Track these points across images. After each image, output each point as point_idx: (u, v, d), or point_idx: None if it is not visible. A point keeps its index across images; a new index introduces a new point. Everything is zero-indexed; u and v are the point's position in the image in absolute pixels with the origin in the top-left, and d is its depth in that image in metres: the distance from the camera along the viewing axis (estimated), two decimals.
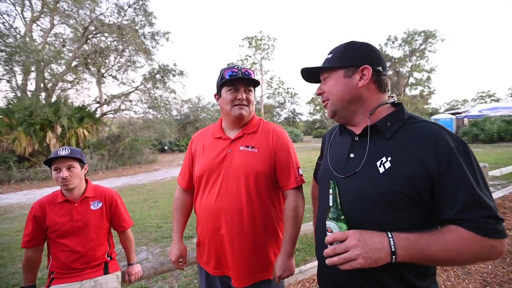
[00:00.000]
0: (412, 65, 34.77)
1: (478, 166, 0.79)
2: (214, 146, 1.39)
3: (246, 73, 1.33)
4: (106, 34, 16.38)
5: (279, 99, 40.88)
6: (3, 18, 15.59)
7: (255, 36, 36.89)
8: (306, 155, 16.74)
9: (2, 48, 12.96)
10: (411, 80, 35.71)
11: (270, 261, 1.33)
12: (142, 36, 17.14)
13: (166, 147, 24.36)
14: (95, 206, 1.73)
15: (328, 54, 1.01)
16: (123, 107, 17.18)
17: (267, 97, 39.99)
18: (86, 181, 1.78)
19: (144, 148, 16.96)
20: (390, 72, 36.27)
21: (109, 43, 16.83)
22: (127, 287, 1.91)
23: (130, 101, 17.32)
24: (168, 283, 3.03)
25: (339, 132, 1.09)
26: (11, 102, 13.26)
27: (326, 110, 1.03)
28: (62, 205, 1.67)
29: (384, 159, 0.86)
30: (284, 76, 79.91)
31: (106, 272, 1.71)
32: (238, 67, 1.33)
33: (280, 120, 41.46)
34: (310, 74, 1.07)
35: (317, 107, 42.51)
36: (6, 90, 14.26)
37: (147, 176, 11.96)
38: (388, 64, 35.90)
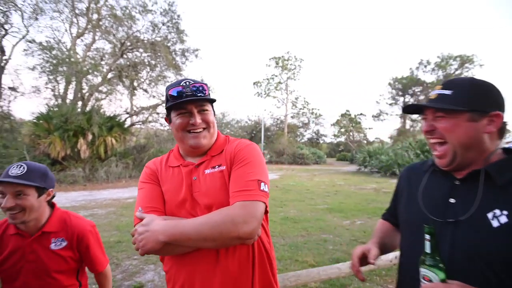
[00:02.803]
0: None
1: None
2: (174, 176, 1.09)
3: (197, 90, 1.04)
4: (140, 50, 17.39)
5: (303, 119, 40.79)
6: (54, 33, 17.17)
7: (282, 57, 37.57)
8: (330, 178, 16.17)
9: (49, 60, 14.13)
10: None
11: None
12: (173, 53, 17.99)
13: None
14: (56, 245, 1.32)
15: (445, 89, 0.89)
16: (150, 118, 17.85)
17: (291, 117, 40.01)
18: (54, 208, 1.39)
19: None
20: (421, 97, 34.99)
21: (142, 58, 17.82)
22: None
23: (158, 113, 17.97)
24: None
25: (427, 171, 1.01)
26: (51, 108, 14.20)
27: (433, 151, 0.93)
28: (13, 237, 1.29)
29: (497, 211, 0.78)
30: (309, 96, 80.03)
31: None
32: (186, 83, 1.05)
33: (303, 140, 41.06)
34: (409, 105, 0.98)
35: (342, 129, 41.70)
36: (49, 98, 15.42)
37: None
38: (419, 88, 34.79)
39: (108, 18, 16.74)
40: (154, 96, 18.40)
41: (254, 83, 39.24)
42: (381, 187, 12.10)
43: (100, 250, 1.46)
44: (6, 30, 14.73)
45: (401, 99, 36.79)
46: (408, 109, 0.99)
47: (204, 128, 1.07)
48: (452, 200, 0.88)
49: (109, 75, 16.15)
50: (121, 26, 16.75)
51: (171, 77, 18.44)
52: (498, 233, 0.75)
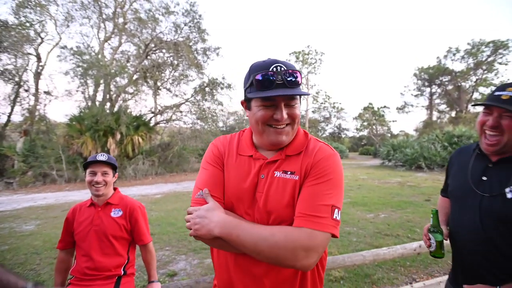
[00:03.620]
0: (477, 79, 31.36)
1: None
2: (241, 166, 0.98)
3: (290, 79, 0.86)
4: (163, 51, 17.93)
5: (324, 113, 40.16)
6: (83, 39, 18.16)
7: (302, 51, 37.05)
8: (352, 173, 15.90)
9: (80, 64, 14.99)
10: (476, 95, 32.16)
11: None
12: (195, 52, 18.36)
13: None
14: (115, 213, 1.72)
15: None
16: (174, 117, 18.43)
17: (313, 112, 39.53)
18: (115, 188, 1.82)
19: (191, 157, 17.84)
20: (450, 87, 33.19)
21: (165, 58, 18.37)
22: None
23: (181, 112, 18.51)
24: None
25: (473, 153, 1.28)
26: (82, 110, 15.09)
27: (483, 138, 1.18)
28: (88, 208, 1.73)
29: None
30: (330, 90, 78.41)
31: (117, 287, 1.62)
32: (277, 68, 0.86)
33: (325, 135, 40.49)
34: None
35: (365, 123, 40.56)
36: (80, 100, 16.41)
37: (192, 184, 12.43)
38: (447, 78, 32.97)
39: (133, 22, 17.41)
40: (177, 95, 18.96)
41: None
42: (406, 180, 11.75)
43: (145, 227, 1.79)
44: (42, 38, 15.79)
45: (427, 89, 35.07)
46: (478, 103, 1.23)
47: (288, 124, 0.91)
48: (484, 178, 1.17)
49: (135, 76, 16.83)
50: (145, 29, 17.37)
51: (193, 75, 18.90)
52: (510, 201, 1.06)
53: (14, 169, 12.16)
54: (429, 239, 1.33)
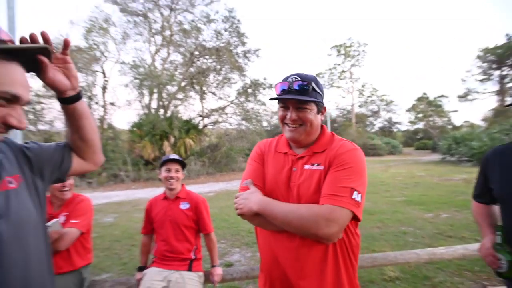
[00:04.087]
0: None
1: None
2: (278, 162, 1.19)
3: (299, 87, 1.05)
4: (207, 57, 18.88)
5: (372, 107, 37.91)
6: (137, 53, 20.07)
7: (344, 44, 35.57)
8: (407, 169, 14.88)
9: (137, 76, 16.63)
10: None
11: None
12: (236, 55, 18.95)
13: None
14: (183, 206, 2.02)
15: None
16: (220, 119, 19.31)
17: (359, 106, 37.66)
18: (182, 185, 2.12)
19: (238, 157, 18.48)
20: None
21: (209, 64, 19.31)
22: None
23: (226, 114, 19.30)
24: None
25: None
26: (141, 118, 16.70)
27: None
28: (162, 201, 2.07)
29: None
30: (377, 83, 73.60)
31: (190, 268, 1.93)
32: (292, 79, 1.08)
33: (374, 130, 38.25)
34: None
35: (419, 115, 37.30)
36: (139, 108, 18.19)
37: None
38: None
39: (179, 33, 18.69)
40: (221, 98, 19.80)
41: (316, 75, 37.96)
42: (472, 177, 10.58)
43: (208, 218, 2.07)
44: (106, 57, 17.90)
45: (496, 72, 30.66)
46: None
47: (300, 125, 1.10)
48: None
49: (183, 83, 18.05)
50: (189, 38, 18.52)
51: (235, 78, 19.54)
52: None
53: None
54: (499, 259, 1.20)
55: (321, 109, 1.15)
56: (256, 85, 18.74)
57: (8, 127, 0.61)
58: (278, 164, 1.17)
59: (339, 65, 36.81)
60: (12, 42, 0.61)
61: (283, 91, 1.09)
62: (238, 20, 18.14)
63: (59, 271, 1.73)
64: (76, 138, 0.92)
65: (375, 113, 38.33)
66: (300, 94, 1.06)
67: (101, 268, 3.74)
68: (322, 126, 1.19)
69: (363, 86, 36.53)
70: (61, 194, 1.87)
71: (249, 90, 18.86)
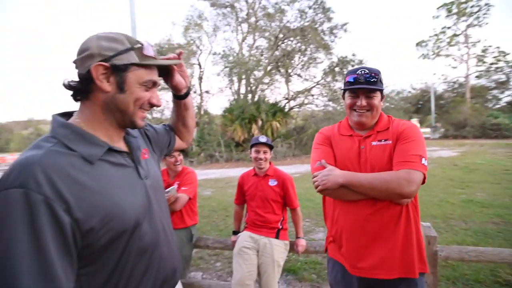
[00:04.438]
0: None
1: None
2: (344, 143, 1.35)
3: (368, 78, 1.24)
4: (291, 38, 18.68)
5: (497, 77, 29.66)
6: (226, 43, 21.57)
7: (458, 0, 28.92)
8: None
9: (226, 65, 18.00)
10: None
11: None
12: (322, 33, 18.08)
13: None
14: (272, 183, 2.20)
15: None
16: (306, 101, 19.13)
17: (476, 77, 30.15)
18: (270, 163, 2.28)
19: None
20: None
21: (294, 45, 19.10)
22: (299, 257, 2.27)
23: (312, 95, 18.94)
24: None
25: None
26: (231, 103, 18.15)
27: None
28: (253, 177, 2.28)
29: None
30: (506, 45, 57.36)
31: (277, 236, 2.12)
32: (360, 71, 1.26)
33: (498, 106, 30.34)
34: None
35: None
36: (229, 95, 19.84)
37: None
38: None
39: (263, 18, 19.04)
40: (307, 79, 19.49)
41: (417, 44, 32.65)
42: None
43: (294, 194, 2.21)
44: (200, 50, 19.99)
45: None
46: None
47: (367, 110, 1.28)
48: None
49: (269, 68, 18.53)
50: (273, 22, 18.65)
51: (321, 57, 18.78)
52: None
53: (193, 151, 16.35)
54: None
55: (382, 95, 1.32)
56: (343, 62, 17.61)
57: (151, 105, 0.86)
58: (345, 145, 1.34)
59: (449, 28, 30.43)
60: (156, 56, 0.85)
61: (354, 82, 1.27)
62: None
63: (175, 227, 2.21)
64: (180, 124, 1.17)
65: (502, 84, 29.98)
66: (368, 84, 1.25)
67: (202, 231, 4.46)
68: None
69: (484, 50, 29.10)
70: (175, 167, 2.37)
71: (336, 69, 17.88)
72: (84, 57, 0.75)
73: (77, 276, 0.68)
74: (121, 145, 0.86)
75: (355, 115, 1.30)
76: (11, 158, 22.28)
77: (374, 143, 1.28)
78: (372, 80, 1.24)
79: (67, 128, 0.75)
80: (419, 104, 31.85)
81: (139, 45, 0.80)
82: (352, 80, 1.27)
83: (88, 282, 0.72)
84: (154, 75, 0.84)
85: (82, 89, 0.77)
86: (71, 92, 0.79)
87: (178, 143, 1.21)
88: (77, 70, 0.77)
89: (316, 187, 1.24)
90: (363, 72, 1.26)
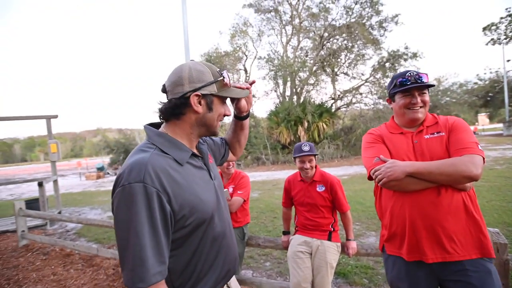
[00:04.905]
0: None
1: None
2: (397, 140, 1.42)
3: (419, 78, 1.35)
4: (337, 37, 18.11)
5: None
6: (271, 46, 21.84)
7: None
8: None
9: (271, 68, 18.23)
10: None
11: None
12: (370, 28, 17.19)
13: None
14: (319, 188, 2.18)
15: None
16: (354, 100, 18.33)
17: None
18: (316, 167, 2.25)
19: None
20: None
21: (339, 43, 18.48)
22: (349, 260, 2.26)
23: (360, 94, 18.09)
24: None
25: None
26: (277, 106, 18.30)
27: None
28: (299, 182, 2.28)
29: None
30: None
31: (329, 239, 2.13)
32: (410, 73, 1.38)
33: None
34: None
35: None
36: (275, 97, 20.02)
37: None
38: None
39: (307, 18, 18.83)
40: (354, 77, 18.69)
41: (484, 29, 28.82)
42: None
43: (343, 197, 2.19)
44: (246, 55, 20.58)
45: None
46: None
47: (421, 106, 1.38)
48: None
49: (314, 68, 18.24)
50: (318, 21, 18.31)
51: (370, 53, 17.86)
52: None
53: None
54: None
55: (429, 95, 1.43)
56: (395, 57, 16.53)
57: (225, 116, 1.05)
58: (399, 141, 1.42)
59: None
60: (230, 84, 1.03)
61: (408, 83, 1.37)
62: None
63: None
64: (235, 141, 1.36)
65: None
66: (421, 83, 1.36)
67: (252, 232, 4.65)
68: None
69: None
70: (227, 170, 2.58)
71: (387, 64, 16.83)
72: (177, 85, 0.93)
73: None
74: (195, 151, 1.05)
75: (410, 112, 1.39)
76: (85, 162, 24.64)
77: (427, 136, 1.36)
78: (422, 79, 1.36)
79: (162, 137, 0.95)
80: (488, 97, 28.06)
81: (221, 78, 0.98)
82: (404, 81, 1.38)
83: (174, 262, 0.89)
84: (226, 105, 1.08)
85: (176, 113, 0.96)
86: (159, 114, 0.99)
87: (230, 156, 1.40)
88: (167, 94, 0.97)
89: (380, 180, 1.27)
90: (412, 73, 1.39)
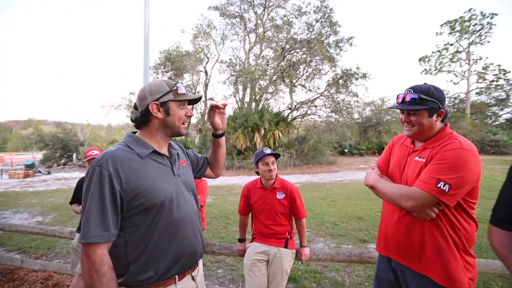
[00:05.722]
0: None
1: None
2: (400, 152, 1.52)
3: (410, 99, 1.32)
4: (298, 50, 19.00)
5: (497, 94, 29.91)
6: (234, 51, 21.95)
7: (461, 18, 29.43)
8: None
9: (233, 73, 18.29)
10: None
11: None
12: (327, 46, 18.40)
13: (346, 150, 24.79)
14: (280, 196, 2.21)
15: None
16: (309, 112, 19.29)
17: (477, 93, 30.27)
18: (276, 175, 2.27)
19: (326, 150, 18.20)
20: None
21: (299, 56, 19.40)
22: (302, 264, 2.38)
23: (315, 106, 19.13)
24: (340, 276, 3.31)
25: None
26: (235, 111, 18.35)
27: None
28: (259, 190, 2.28)
29: None
30: (508, 63, 57.63)
31: (286, 246, 2.18)
32: (406, 91, 1.37)
33: (497, 122, 30.61)
34: None
35: None
36: (233, 103, 20.06)
37: (327, 176, 12.86)
38: None
39: (271, 29, 19.43)
40: (311, 90, 19.71)
41: (419, 59, 33.00)
42: None
43: (301, 205, 2.26)
44: (208, 58, 20.33)
45: None
46: None
47: (412, 126, 1.37)
48: None
49: (274, 77, 18.80)
50: (281, 33, 19.01)
51: (326, 69, 19.06)
52: None
53: None
54: None
55: (434, 112, 1.33)
56: (348, 75, 17.88)
57: (187, 117, 1.27)
58: (400, 154, 1.51)
59: (451, 44, 30.87)
60: (186, 92, 1.25)
61: (400, 102, 1.39)
62: (331, 9, 17.61)
63: None
64: (213, 158, 1.56)
65: (501, 102, 30.24)
66: (411, 104, 1.33)
67: (205, 238, 4.56)
68: (446, 125, 1.40)
69: (485, 68, 29.48)
70: None
71: (340, 81, 18.13)
72: (142, 99, 1.20)
73: (123, 228, 1.08)
74: (165, 152, 1.27)
75: (404, 129, 1.45)
76: (9, 158, 20.77)
77: (416, 158, 1.37)
78: (410, 100, 1.32)
79: (132, 137, 1.21)
80: None
81: (175, 88, 1.21)
82: (401, 99, 1.39)
83: (130, 237, 1.10)
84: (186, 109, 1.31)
85: (143, 120, 1.21)
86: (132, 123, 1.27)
87: (208, 172, 1.60)
88: (137, 109, 1.22)
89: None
90: (407, 92, 1.37)
